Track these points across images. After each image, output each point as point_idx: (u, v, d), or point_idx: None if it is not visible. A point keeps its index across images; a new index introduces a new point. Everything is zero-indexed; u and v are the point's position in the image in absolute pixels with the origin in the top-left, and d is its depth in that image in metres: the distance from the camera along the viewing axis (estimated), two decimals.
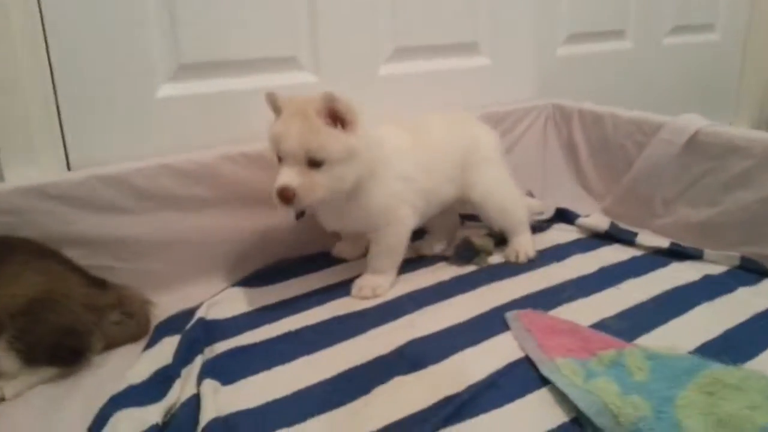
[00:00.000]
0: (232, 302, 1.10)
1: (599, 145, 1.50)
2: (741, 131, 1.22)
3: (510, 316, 1.01)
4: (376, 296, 1.10)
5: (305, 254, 1.27)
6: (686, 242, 1.26)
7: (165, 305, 1.07)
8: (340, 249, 1.27)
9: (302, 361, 0.92)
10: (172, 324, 1.02)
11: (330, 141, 0.96)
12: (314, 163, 0.96)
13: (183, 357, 0.91)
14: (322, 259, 1.26)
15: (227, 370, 0.89)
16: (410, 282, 1.15)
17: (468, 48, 1.50)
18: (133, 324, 1.00)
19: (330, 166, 0.97)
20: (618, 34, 1.83)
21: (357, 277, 1.14)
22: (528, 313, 1.01)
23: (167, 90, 1.16)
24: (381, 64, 1.38)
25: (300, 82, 1.26)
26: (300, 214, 1.12)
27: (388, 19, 1.36)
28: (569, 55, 1.72)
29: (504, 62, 1.56)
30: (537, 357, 0.90)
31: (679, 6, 1.93)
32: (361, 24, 1.32)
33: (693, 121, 1.30)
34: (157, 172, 1.10)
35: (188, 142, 1.17)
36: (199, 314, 1.03)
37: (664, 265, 1.20)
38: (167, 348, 0.95)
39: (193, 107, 1.18)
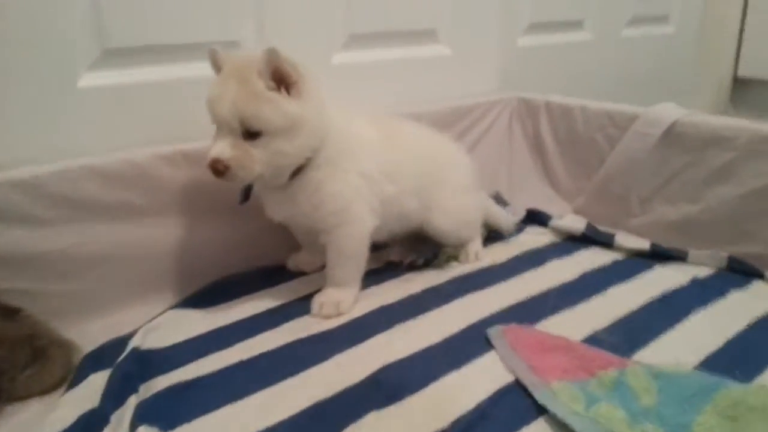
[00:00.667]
0: (173, 327, 0.94)
1: (568, 141, 1.42)
2: (723, 120, 1.14)
3: (493, 332, 0.90)
4: (339, 314, 0.97)
5: (257, 267, 1.13)
6: (666, 242, 1.18)
7: (93, 334, 0.92)
8: (297, 260, 1.14)
9: (259, 396, 0.78)
10: (101, 356, 0.87)
11: (269, 109, 0.84)
12: (251, 134, 0.85)
13: (113, 397, 0.77)
14: (278, 273, 1.12)
15: (168, 412, 0.74)
16: (377, 296, 1.03)
17: (427, 36, 1.39)
18: (47, 370, 0.82)
19: (269, 137, 0.86)
20: (577, 24, 1.77)
21: (317, 292, 1.01)
22: (513, 329, 0.90)
23: (90, 79, 0.99)
24: (334, 52, 1.25)
25: None
26: (245, 197, 0.98)
27: (342, 2, 1.23)
28: (530, 46, 1.64)
29: (465, 52, 1.45)
30: (530, 381, 0.79)
31: None
32: (312, 7, 1.19)
33: (670, 111, 1.22)
34: (79, 175, 0.94)
35: (116, 140, 1.01)
36: (133, 343, 0.88)
37: (648, 268, 1.12)
38: (95, 386, 0.80)
39: (122, 99, 1.02)
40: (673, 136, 1.20)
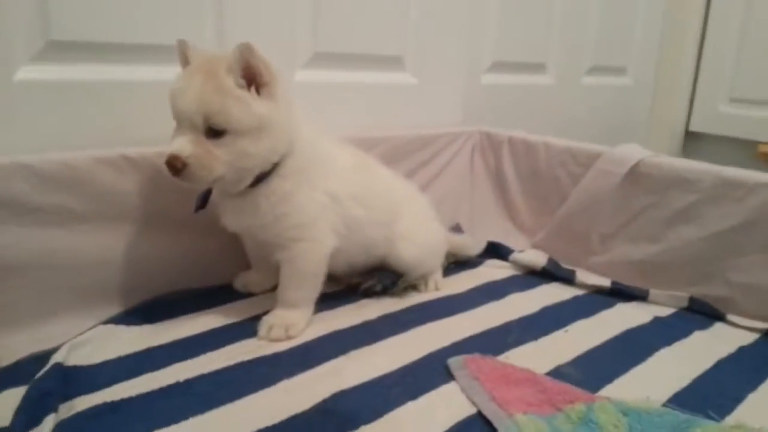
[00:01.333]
0: (103, 343, 0.86)
1: (530, 176, 1.40)
2: (687, 163, 1.13)
3: (454, 362, 0.84)
4: (289, 337, 0.90)
5: (202, 287, 1.05)
6: (626, 281, 1.16)
7: (16, 347, 0.83)
8: (245, 280, 1.06)
9: (195, 422, 0.70)
10: (19, 371, 0.78)
11: (236, 106, 0.79)
12: (214, 132, 0.80)
13: (27, 416, 0.67)
14: (223, 293, 1.04)
15: None
16: (330, 321, 0.96)
17: (393, 62, 1.36)
18: None
19: (233, 137, 0.81)
20: (539, 67, 1.79)
21: (265, 314, 0.94)
22: (475, 359, 0.85)
23: (29, 72, 0.91)
24: (297, 68, 1.20)
25: None
26: (202, 203, 0.91)
27: (308, 20, 1.19)
28: (493, 83, 1.63)
29: (430, 83, 1.43)
30: (492, 413, 0.73)
31: (596, 47, 1.92)
32: (275, 22, 1.14)
33: (633, 151, 1.21)
34: (10, 173, 0.85)
35: (54, 140, 0.93)
36: (55, 359, 0.79)
37: (609, 305, 1.09)
38: (8, 404, 0.70)
39: (64, 96, 0.94)
40: (636, 175, 1.19)
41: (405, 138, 1.33)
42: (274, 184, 0.88)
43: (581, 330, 0.99)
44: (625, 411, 0.73)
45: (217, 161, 0.80)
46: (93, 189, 0.92)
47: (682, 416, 0.72)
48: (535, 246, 1.35)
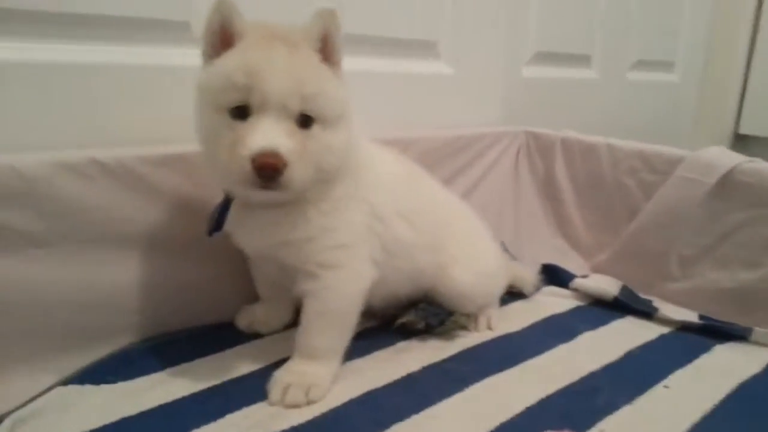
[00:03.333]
0: (62, 413, 0.64)
1: (589, 185, 1.18)
2: None
3: None
4: (310, 402, 0.68)
5: (193, 326, 0.83)
6: (715, 315, 0.96)
7: None
8: (250, 316, 0.85)
9: None
10: None
11: (332, 86, 0.65)
12: (305, 121, 0.62)
13: None
14: (222, 334, 0.82)
15: None
16: (362, 374, 0.75)
17: (426, 48, 1.16)
18: None
19: (321, 127, 0.64)
20: (584, 60, 1.58)
21: (278, 365, 0.72)
22: None
23: None
24: None
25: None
26: (217, 225, 0.70)
27: None
28: (535, 77, 1.43)
29: (467, 72, 1.23)
30: None
31: (642, 40, 1.74)
32: None
33: (724, 156, 1.00)
34: None
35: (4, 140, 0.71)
36: None
37: (705, 348, 0.88)
38: None
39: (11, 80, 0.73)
40: (729, 185, 0.98)
41: (440, 139, 1.12)
42: (333, 188, 0.69)
43: (683, 385, 0.78)
44: None
45: (309, 159, 0.61)
46: (52, 204, 0.70)
47: None
48: (595, 269, 1.14)
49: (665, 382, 0.78)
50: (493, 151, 1.22)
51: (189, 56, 0.71)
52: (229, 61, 0.62)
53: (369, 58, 1.07)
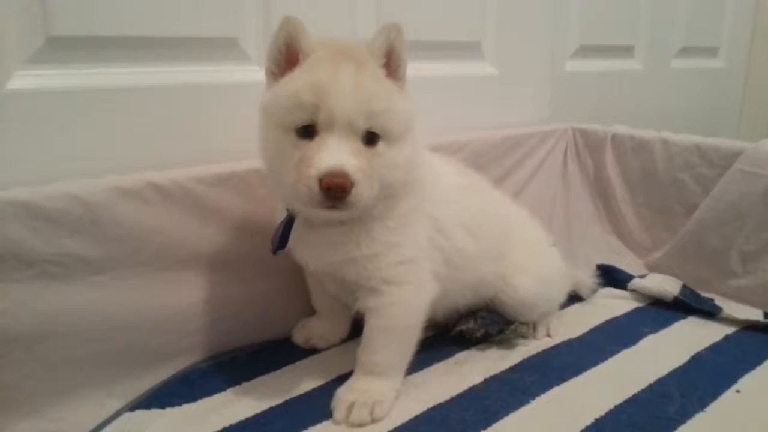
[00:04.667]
0: None
1: (642, 182, 1.16)
2: None
3: None
4: (375, 420, 0.67)
5: (251, 344, 0.83)
6: None
7: None
8: (308, 331, 0.84)
9: None
10: None
11: (399, 103, 0.63)
12: (370, 139, 0.62)
13: None
14: (280, 351, 0.82)
15: None
16: (424, 388, 0.74)
17: (469, 49, 1.14)
18: None
19: (387, 144, 0.63)
20: (627, 50, 1.54)
21: (339, 381, 0.71)
22: None
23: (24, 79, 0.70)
24: None
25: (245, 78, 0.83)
26: (281, 243, 0.70)
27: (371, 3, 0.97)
28: (579, 71, 1.39)
29: (512, 72, 1.21)
30: None
31: (685, 27, 1.68)
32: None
33: None
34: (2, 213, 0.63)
35: (55, 165, 0.72)
36: None
37: None
38: None
39: (67, 105, 0.73)
40: None
41: (489, 141, 1.11)
42: (398, 204, 0.68)
43: (756, 388, 0.75)
44: None
45: (375, 177, 0.61)
46: (112, 229, 0.70)
47: None
48: (650, 267, 1.12)
49: (737, 386, 0.75)
50: (540, 150, 1.20)
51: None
52: (296, 80, 0.61)
53: (413, 62, 1.06)
